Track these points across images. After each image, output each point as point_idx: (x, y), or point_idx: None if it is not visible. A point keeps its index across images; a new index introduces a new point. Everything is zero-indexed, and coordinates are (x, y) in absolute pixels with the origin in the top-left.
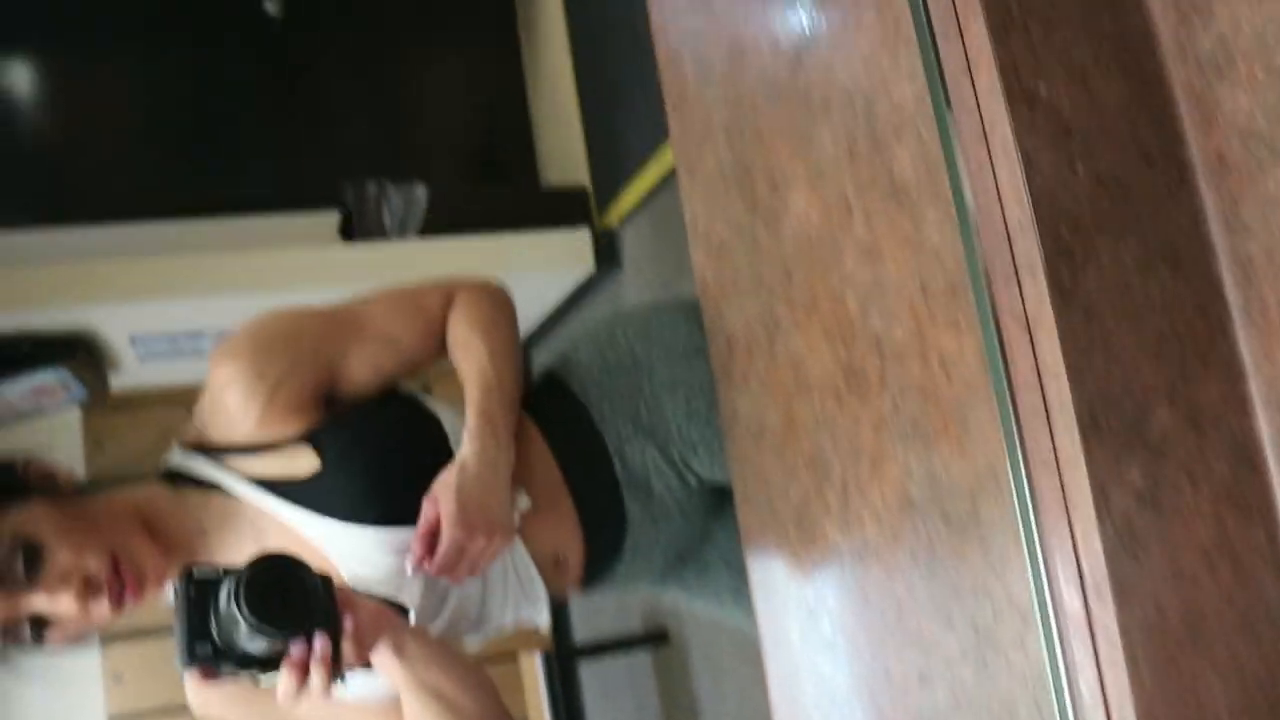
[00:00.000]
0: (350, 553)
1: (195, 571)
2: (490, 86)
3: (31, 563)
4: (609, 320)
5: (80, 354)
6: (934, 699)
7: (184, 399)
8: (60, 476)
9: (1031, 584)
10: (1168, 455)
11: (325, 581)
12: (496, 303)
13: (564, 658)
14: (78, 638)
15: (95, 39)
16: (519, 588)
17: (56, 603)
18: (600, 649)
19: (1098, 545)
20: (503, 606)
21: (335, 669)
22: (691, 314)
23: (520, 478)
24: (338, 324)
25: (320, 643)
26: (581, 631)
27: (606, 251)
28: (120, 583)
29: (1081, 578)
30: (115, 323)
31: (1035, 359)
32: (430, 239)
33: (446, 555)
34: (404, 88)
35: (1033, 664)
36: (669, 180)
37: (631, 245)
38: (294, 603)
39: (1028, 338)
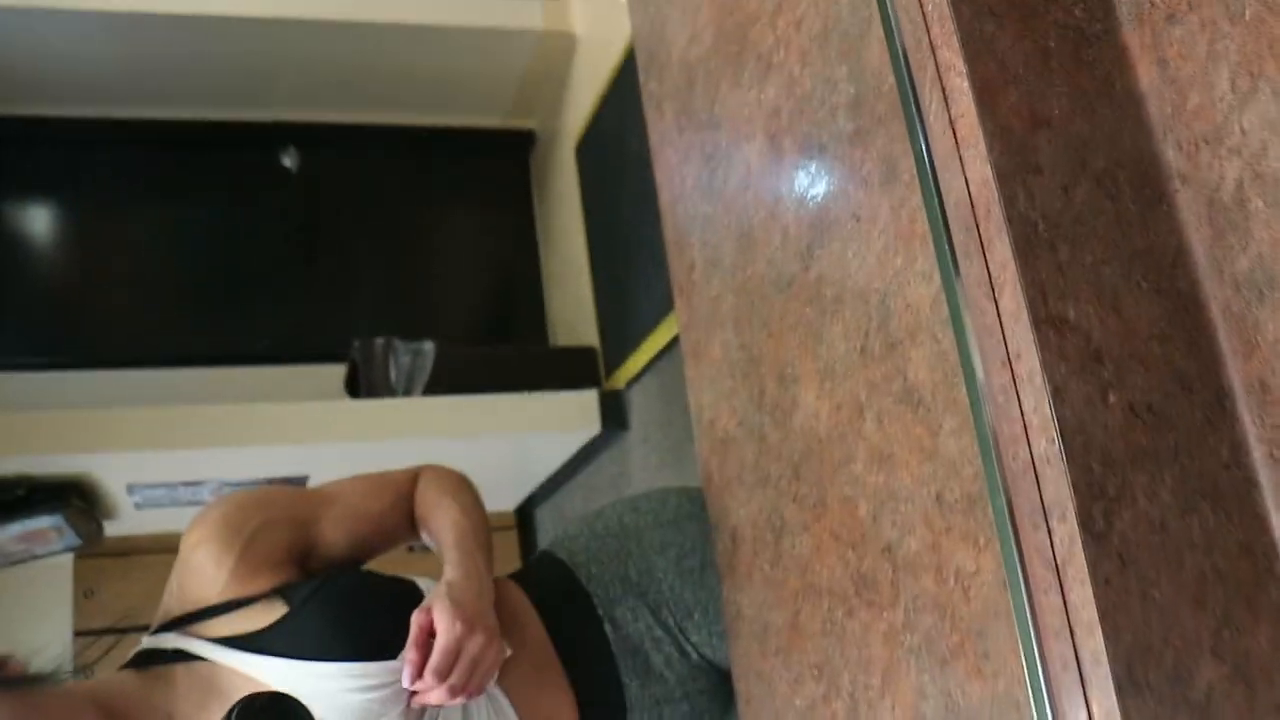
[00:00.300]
0: (318, 695)
1: None
2: (503, 247)
3: None
4: (598, 506)
5: (75, 500)
6: None
7: (179, 547)
8: (11, 667)
9: None
10: (1213, 714)
11: None
12: (462, 480)
13: None
14: None
15: (112, 188)
16: None
17: None
18: None
19: None
20: None
21: None
22: (682, 492)
23: (503, 632)
24: (309, 496)
25: None
26: None
27: (613, 413)
28: None
29: None
30: (113, 470)
31: (1065, 606)
32: (436, 396)
33: (446, 651)
34: (417, 245)
35: None
36: (678, 345)
37: (639, 407)
38: None
39: (1057, 583)
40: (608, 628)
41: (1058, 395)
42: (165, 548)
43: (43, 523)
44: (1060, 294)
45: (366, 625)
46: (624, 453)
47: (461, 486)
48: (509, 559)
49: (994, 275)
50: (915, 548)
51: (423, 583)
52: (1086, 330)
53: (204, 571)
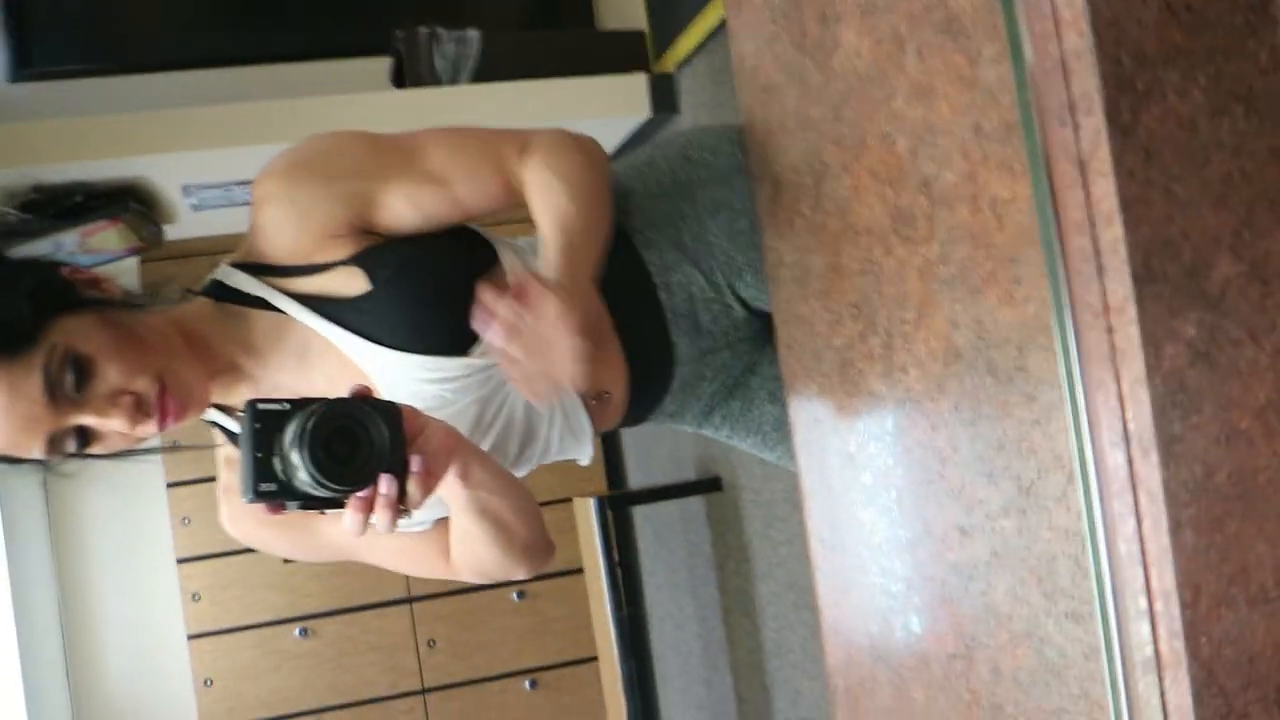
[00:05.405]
0: (393, 380)
1: (260, 404)
2: None
3: (81, 377)
4: (648, 147)
5: (133, 204)
6: (973, 552)
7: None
8: (106, 287)
9: (1073, 438)
10: (1227, 308)
11: (394, 417)
12: (583, 148)
13: (618, 503)
14: (118, 449)
15: None
16: (564, 422)
17: (106, 423)
18: (654, 495)
19: (1146, 401)
20: (547, 441)
21: (401, 507)
22: (734, 136)
23: None
24: (385, 154)
25: (386, 486)
26: (636, 479)
27: (663, 96)
28: (165, 405)
29: (1127, 434)
30: (167, 173)
31: (1088, 201)
32: (483, 85)
33: (527, 308)
34: None
35: (1075, 520)
36: (726, 26)
37: (689, 91)
38: (360, 455)
39: (1081, 177)
40: (662, 295)
41: None
42: (225, 249)
43: (102, 226)
44: None
45: (445, 321)
46: None
47: (580, 161)
48: None
49: None
50: (952, 180)
51: (505, 253)
52: None
53: (269, 234)
